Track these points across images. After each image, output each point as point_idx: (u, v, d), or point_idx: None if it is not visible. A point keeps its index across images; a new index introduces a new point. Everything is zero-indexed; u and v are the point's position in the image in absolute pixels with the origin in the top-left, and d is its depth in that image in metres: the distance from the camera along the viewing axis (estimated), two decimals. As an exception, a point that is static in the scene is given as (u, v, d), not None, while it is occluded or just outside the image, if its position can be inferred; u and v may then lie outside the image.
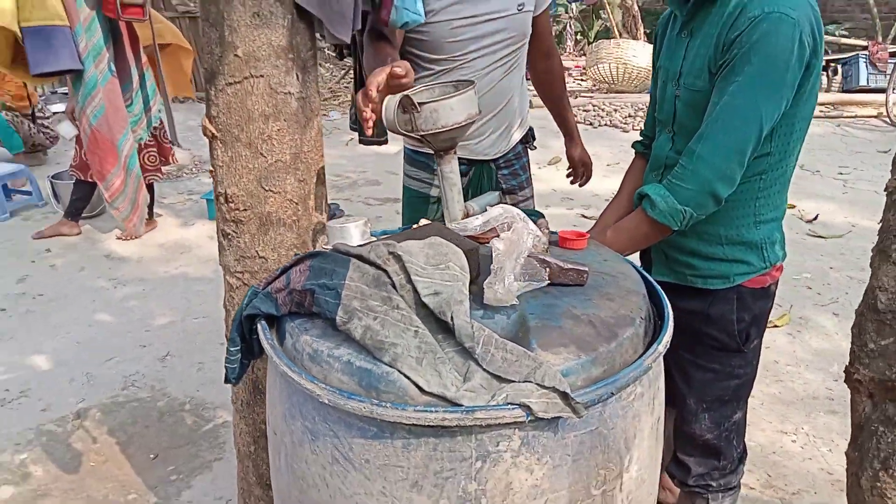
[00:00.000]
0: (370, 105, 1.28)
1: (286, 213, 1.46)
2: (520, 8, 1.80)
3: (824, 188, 4.97)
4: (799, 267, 3.73)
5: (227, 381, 1.25)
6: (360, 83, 1.92)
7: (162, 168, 4.26)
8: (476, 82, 1.36)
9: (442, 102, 1.23)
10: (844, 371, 1.50)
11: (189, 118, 6.57)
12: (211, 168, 1.47)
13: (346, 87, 8.43)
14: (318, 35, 1.46)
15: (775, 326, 3.13)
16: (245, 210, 1.44)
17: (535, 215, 1.55)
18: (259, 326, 1.14)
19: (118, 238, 4.43)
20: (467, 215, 1.39)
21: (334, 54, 1.85)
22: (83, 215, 4.57)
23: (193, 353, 3.10)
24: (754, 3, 1.24)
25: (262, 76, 1.36)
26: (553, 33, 2.16)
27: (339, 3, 1.35)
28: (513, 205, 1.83)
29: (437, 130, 1.24)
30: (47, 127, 5.93)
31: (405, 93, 1.25)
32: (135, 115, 1.43)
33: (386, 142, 2.01)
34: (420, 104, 1.22)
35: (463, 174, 1.94)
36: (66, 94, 4.68)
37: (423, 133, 1.26)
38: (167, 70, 3.94)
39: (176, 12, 7.91)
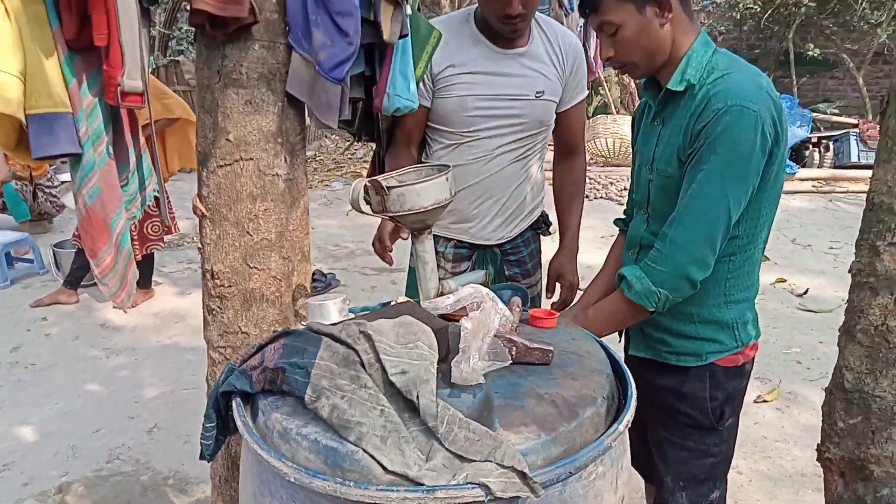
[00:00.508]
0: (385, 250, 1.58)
1: (269, 290, 1.52)
2: (538, 95, 1.80)
3: (815, 262, 5.02)
4: (789, 341, 3.74)
5: (202, 457, 1.27)
6: (380, 166, 1.96)
7: (164, 237, 4.35)
8: (451, 167, 1.43)
9: (409, 187, 1.30)
10: (816, 450, 1.52)
11: (189, 188, 6.73)
12: (199, 245, 1.53)
13: (349, 157, 8.63)
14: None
15: (764, 401, 3.12)
16: (230, 286, 1.50)
17: (513, 290, 1.60)
18: (234, 403, 1.17)
19: (115, 307, 4.47)
20: (442, 293, 1.43)
21: (352, 136, 1.93)
22: (82, 284, 4.63)
23: (181, 426, 3.08)
24: (718, 96, 1.32)
25: (251, 159, 1.44)
26: (584, 132, 2.05)
27: (326, 93, 1.44)
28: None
29: (405, 213, 1.31)
30: (55, 196, 6.08)
31: (375, 177, 1.33)
32: (129, 194, 1.50)
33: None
34: (389, 188, 1.29)
35: (466, 258, 1.96)
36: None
37: (392, 214, 1.32)
38: (176, 143, 4.08)
39: (188, 86, 8.19)
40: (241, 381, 1.16)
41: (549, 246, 2.18)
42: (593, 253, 5.75)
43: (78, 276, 4.53)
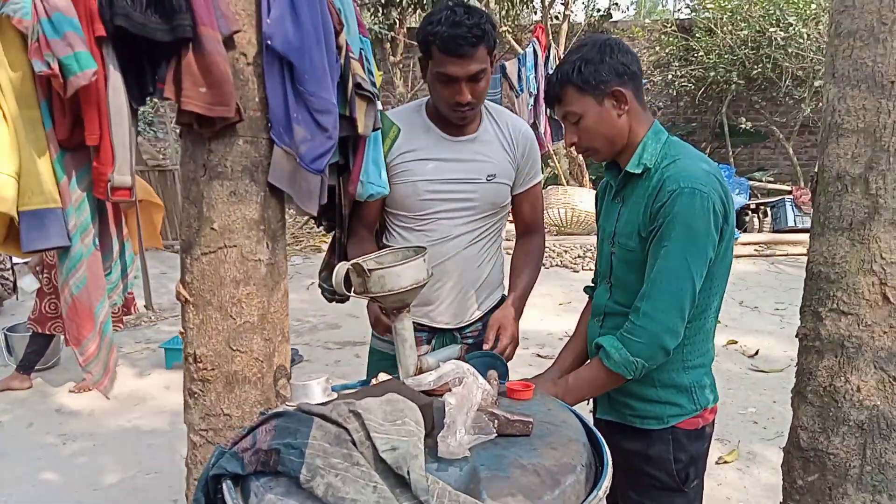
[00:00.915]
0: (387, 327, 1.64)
1: (251, 371, 1.55)
2: (489, 178, 1.85)
3: (763, 324, 5.24)
4: (744, 401, 3.87)
5: (190, 541, 1.28)
6: (340, 251, 1.97)
7: (123, 318, 4.29)
8: (428, 249, 1.51)
9: (389, 269, 1.37)
10: (779, 508, 1.60)
11: (152, 266, 6.65)
12: (181, 330, 1.56)
13: (308, 232, 8.69)
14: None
15: (725, 462, 3.21)
16: (213, 369, 1.53)
17: (490, 357, 1.66)
18: (224, 486, 1.19)
19: (71, 391, 4.34)
20: (420, 369, 1.49)
21: (322, 228, 1.97)
22: (36, 368, 4.50)
23: (142, 512, 2.99)
24: (671, 179, 1.47)
25: (234, 246, 1.50)
26: (543, 213, 2.07)
27: (306, 182, 1.52)
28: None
29: (386, 294, 1.38)
30: (6, 278, 5.93)
31: (355, 260, 1.40)
32: (112, 282, 1.54)
33: (348, 299, 2.07)
34: (370, 270, 1.36)
35: (426, 341, 1.95)
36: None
37: (372, 295, 1.39)
38: (130, 229, 4.09)
39: (146, 166, 8.21)
40: (232, 463, 1.18)
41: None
42: (552, 320, 5.86)
43: (32, 360, 4.40)
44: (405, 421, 1.16)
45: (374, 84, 1.69)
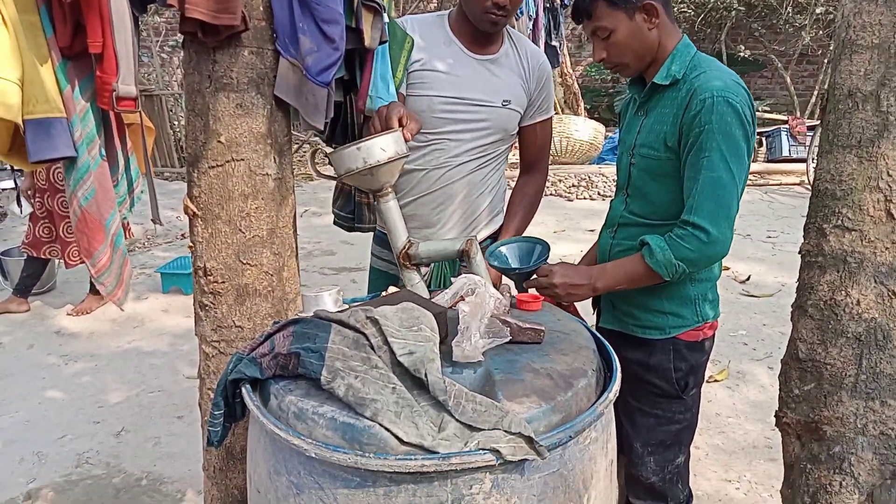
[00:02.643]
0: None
1: (262, 285, 1.57)
2: (505, 104, 1.82)
3: (755, 251, 5.31)
4: (735, 324, 3.97)
5: (209, 443, 1.32)
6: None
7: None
8: (401, 129, 1.52)
9: (345, 150, 1.44)
10: (775, 415, 1.66)
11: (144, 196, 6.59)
12: (190, 244, 1.57)
13: (298, 160, 8.60)
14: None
15: (715, 381, 3.32)
16: (223, 282, 1.54)
17: (534, 242, 1.70)
18: (243, 390, 1.23)
19: (69, 314, 4.37)
20: (408, 251, 1.54)
21: (325, 142, 1.91)
22: (33, 292, 4.51)
23: (149, 428, 3.07)
24: (702, 88, 1.48)
25: (242, 160, 1.49)
26: (549, 152, 2.03)
27: (313, 96, 1.50)
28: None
29: (351, 173, 1.45)
30: (-6, 203, 5.88)
31: (318, 147, 1.45)
32: (120, 195, 1.53)
33: (367, 229, 2.01)
34: (327, 154, 1.47)
35: (425, 264, 1.90)
36: (15, 170, 4.68)
37: (342, 177, 1.46)
38: (134, 146, 4.03)
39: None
40: (250, 368, 1.21)
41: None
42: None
43: (28, 283, 4.42)
44: (421, 327, 1.19)
45: (380, -6, 1.64)
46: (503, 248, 1.73)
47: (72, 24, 1.32)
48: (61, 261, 4.30)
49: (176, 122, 8.61)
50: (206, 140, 1.48)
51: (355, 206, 1.96)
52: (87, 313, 4.37)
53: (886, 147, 1.48)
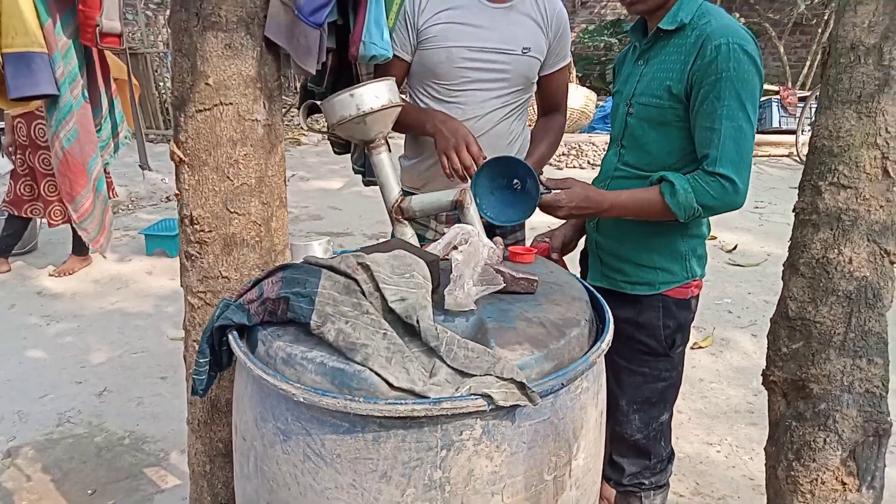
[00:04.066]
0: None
1: (250, 235, 1.54)
2: (525, 51, 1.80)
3: (742, 221, 5.33)
4: (721, 292, 3.99)
5: (194, 392, 1.30)
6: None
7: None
8: (391, 79, 1.52)
9: (336, 98, 1.43)
10: (762, 374, 1.67)
11: (127, 154, 6.48)
12: (176, 192, 1.53)
13: (287, 123, 8.48)
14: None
15: (700, 347, 3.34)
16: (210, 231, 1.51)
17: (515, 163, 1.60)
18: (230, 336, 1.20)
19: (51, 275, 4.31)
20: (401, 208, 1.52)
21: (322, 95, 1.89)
22: (14, 252, 4.44)
23: (132, 388, 3.05)
24: (715, 34, 1.46)
25: (231, 104, 1.44)
26: (567, 94, 2.03)
27: (305, 37, 1.45)
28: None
29: (341, 122, 1.45)
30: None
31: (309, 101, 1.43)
32: (103, 139, 1.48)
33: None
34: (319, 104, 1.48)
35: (457, 219, 1.94)
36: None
37: (333, 130, 1.47)
38: (122, 98, 3.94)
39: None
40: (238, 314, 1.19)
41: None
42: (535, 216, 5.92)
43: (9, 243, 4.34)
44: (413, 274, 1.17)
45: (374, -64, 1.58)
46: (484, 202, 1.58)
47: (52, -45, 1.27)
48: (44, 220, 4.22)
49: (161, 83, 8.44)
50: (193, 82, 1.43)
51: (367, 159, 1.93)
52: (70, 274, 4.31)
53: (886, 102, 1.47)
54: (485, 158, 1.63)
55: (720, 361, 3.25)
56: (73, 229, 4.24)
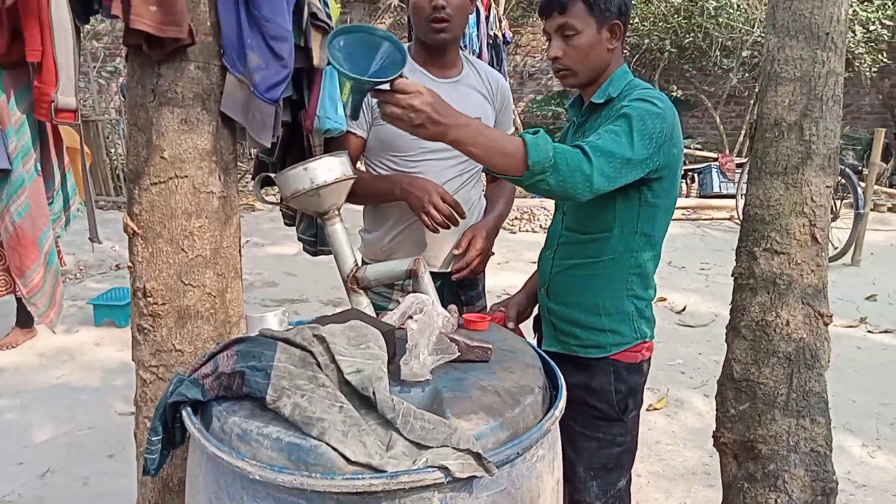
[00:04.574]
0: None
1: (204, 307, 1.53)
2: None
3: (690, 282, 5.49)
4: (672, 353, 4.07)
5: (146, 472, 1.26)
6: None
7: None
8: (346, 153, 1.55)
9: (289, 172, 1.45)
10: (712, 436, 1.71)
11: (75, 222, 6.35)
12: (129, 264, 1.52)
13: (240, 190, 8.47)
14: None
15: (655, 409, 3.38)
16: (164, 304, 1.50)
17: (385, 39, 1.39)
18: (184, 413, 1.18)
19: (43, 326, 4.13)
20: (356, 278, 1.53)
21: (274, 165, 1.91)
22: (-48, 324, 4.26)
23: (77, 467, 2.90)
24: (629, 97, 1.53)
25: (186, 177, 1.46)
26: None
27: (261, 113, 1.49)
28: None
29: (295, 196, 1.47)
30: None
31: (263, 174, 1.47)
32: (55, 213, 1.47)
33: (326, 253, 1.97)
34: (272, 176, 1.51)
35: (373, 287, 1.88)
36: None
37: (286, 202, 1.49)
38: (74, 168, 3.90)
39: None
40: (192, 390, 1.17)
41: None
42: (490, 278, 5.99)
43: (-54, 315, 4.17)
44: (369, 345, 1.18)
45: (329, 16, 1.65)
46: (342, 39, 1.34)
47: (9, 31, 1.28)
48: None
49: (112, 150, 8.37)
50: (148, 156, 1.45)
51: (318, 228, 1.95)
52: (13, 347, 4.15)
53: (810, 174, 1.57)
54: (458, 204, 1.72)
55: (675, 422, 3.29)
56: (18, 300, 4.10)
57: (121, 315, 4.44)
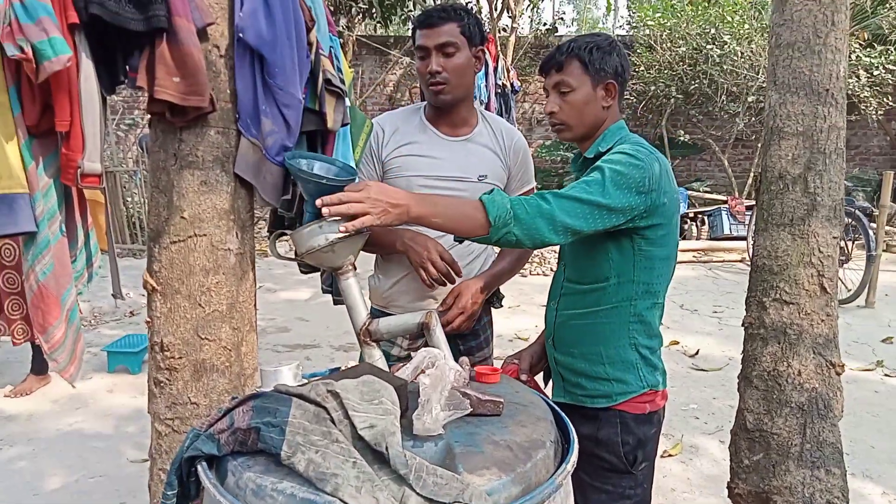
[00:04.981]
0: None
1: (220, 360, 1.56)
2: (481, 178, 1.91)
3: (703, 325, 5.46)
4: (687, 398, 4.04)
5: (160, 526, 1.28)
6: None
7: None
8: None
9: (301, 231, 1.47)
10: (727, 487, 1.70)
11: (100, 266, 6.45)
12: (147, 319, 1.56)
13: (255, 234, 8.58)
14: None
15: (670, 455, 3.34)
16: (180, 358, 1.53)
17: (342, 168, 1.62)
18: (199, 467, 1.20)
19: (6, 395, 4.17)
20: (369, 331, 1.57)
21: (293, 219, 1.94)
22: (-32, 372, 4.31)
23: (88, 517, 2.91)
24: (613, 150, 1.58)
25: (205, 235, 1.51)
26: None
27: (271, 174, 1.55)
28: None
29: (308, 253, 1.48)
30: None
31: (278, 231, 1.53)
32: (77, 270, 1.52)
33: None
34: (285, 233, 1.57)
35: (422, 335, 1.87)
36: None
37: (299, 258, 1.51)
38: (95, 222, 3.99)
39: (81, 166, 7.96)
40: (207, 445, 1.19)
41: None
42: (501, 322, 5.98)
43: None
44: (382, 400, 1.20)
45: (342, 81, 1.72)
46: (303, 161, 1.56)
47: (41, 104, 1.35)
48: (5, 338, 4.13)
49: (129, 199, 8.54)
50: (168, 216, 1.50)
51: (333, 279, 1.99)
52: (28, 394, 4.18)
53: (816, 225, 1.60)
54: (455, 262, 1.79)
55: (691, 469, 3.25)
56: (34, 346, 4.15)
57: (134, 362, 4.48)
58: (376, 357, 1.58)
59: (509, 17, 9.85)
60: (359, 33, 10.14)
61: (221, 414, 1.25)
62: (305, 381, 1.42)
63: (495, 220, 1.43)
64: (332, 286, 2.10)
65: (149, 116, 1.52)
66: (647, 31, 9.91)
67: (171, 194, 1.49)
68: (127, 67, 1.46)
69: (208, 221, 1.51)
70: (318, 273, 2.18)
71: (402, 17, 9.08)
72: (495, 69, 6.92)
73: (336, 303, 2.11)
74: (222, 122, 1.52)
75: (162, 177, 1.50)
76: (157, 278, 1.52)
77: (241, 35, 1.52)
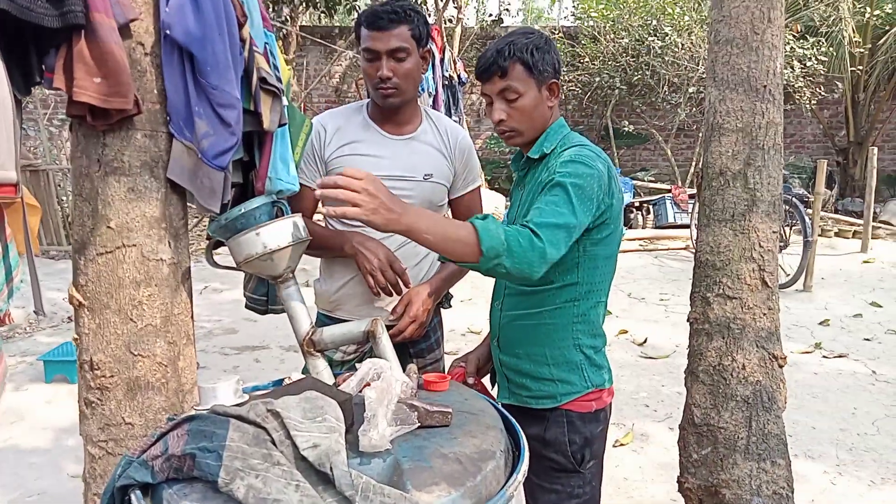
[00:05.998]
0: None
1: (155, 377, 1.48)
2: (427, 177, 1.88)
3: (650, 313, 5.56)
4: (636, 386, 4.10)
5: (93, 559, 1.20)
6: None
7: (-7, 330, 3.95)
8: (299, 215, 1.56)
9: (237, 238, 1.44)
10: (677, 481, 1.71)
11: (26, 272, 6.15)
12: (75, 336, 1.47)
13: (198, 234, 8.34)
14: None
15: (622, 445, 3.39)
16: (112, 376, 1.45)
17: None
18: (133, 496, 1.13)
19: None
20: (312, 341, 1.51)
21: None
22: None
23: (25, 537, 2.77)
24: (565, 153, 1.56)
25: (134, 245, 1.43)
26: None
27: (209, 179, 1.47)
28: (420, 367, 1.90)
29: (246, 261, 1.46)
30: None
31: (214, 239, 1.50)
32: (-5, 287, 1.42)
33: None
34: (222, 240, 1.51)
35: (330, 350, 1.82)
36: None
37: (238, 267, 1.48)
38: (13, 227, 3.78)
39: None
40: (140, 472, 1.13)
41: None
42: (454, 317, 5.96)
43: None
44: (325, 417, 1.15)
45: (279, 79, 1.65)
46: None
47: (-55, 108, 1.25)
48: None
49: (64, 198, 8.18)
50: (94, 226, 1.41)
51: (269, 287, 1.92)
52: (-44, 409, 3.96)
53: (756, 220, 1.62)
54: (405, 272, 1.75)
55: (642, 457, 3.29)
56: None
57: (73, 370, 4.29)
58: (321, 368, 1.52)
59: (455, 7, 9.81)
60: (302, 24, 9.94)
61: (155, 439, 1.18)
62: (247, 395, 1.36)
63: (488, 250, 1.36)
64: (267, 294, 2.00)
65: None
66: (592, 23, 10.02)
67: (97, 203, 1.40)
68: (43, 67, 1.37)
69: (138, 231, 1.43)
70: (243, 287, 2.09)
71: (348, 7, 8.92)
72: (441, 61, 6.87)
73: (262, 312, 2.03)
74: (150, 125, 1.44)
75: (85, 184, 1.41)
76: (83, 292, 1.43)
77: (167, 31, 1.44)
